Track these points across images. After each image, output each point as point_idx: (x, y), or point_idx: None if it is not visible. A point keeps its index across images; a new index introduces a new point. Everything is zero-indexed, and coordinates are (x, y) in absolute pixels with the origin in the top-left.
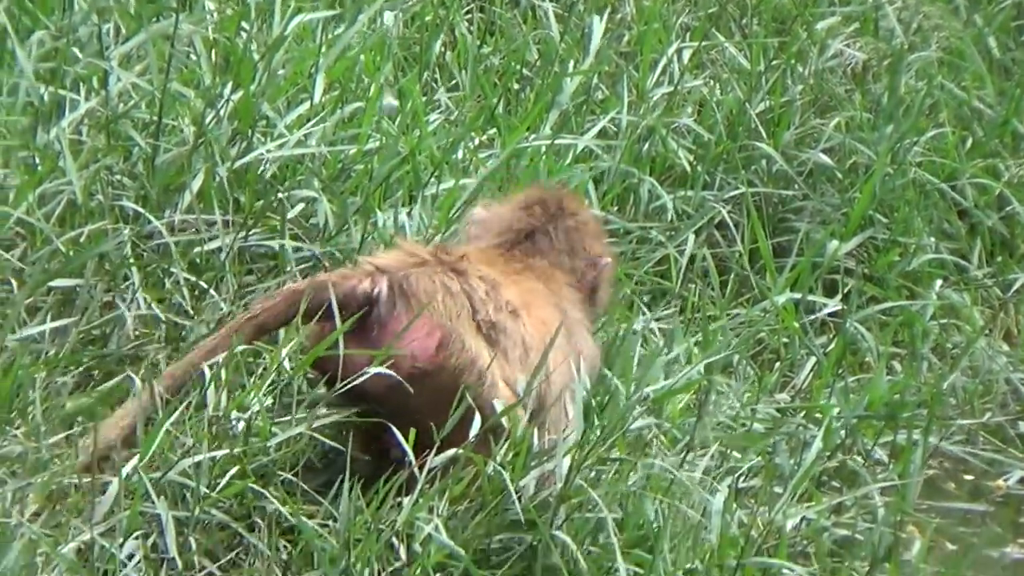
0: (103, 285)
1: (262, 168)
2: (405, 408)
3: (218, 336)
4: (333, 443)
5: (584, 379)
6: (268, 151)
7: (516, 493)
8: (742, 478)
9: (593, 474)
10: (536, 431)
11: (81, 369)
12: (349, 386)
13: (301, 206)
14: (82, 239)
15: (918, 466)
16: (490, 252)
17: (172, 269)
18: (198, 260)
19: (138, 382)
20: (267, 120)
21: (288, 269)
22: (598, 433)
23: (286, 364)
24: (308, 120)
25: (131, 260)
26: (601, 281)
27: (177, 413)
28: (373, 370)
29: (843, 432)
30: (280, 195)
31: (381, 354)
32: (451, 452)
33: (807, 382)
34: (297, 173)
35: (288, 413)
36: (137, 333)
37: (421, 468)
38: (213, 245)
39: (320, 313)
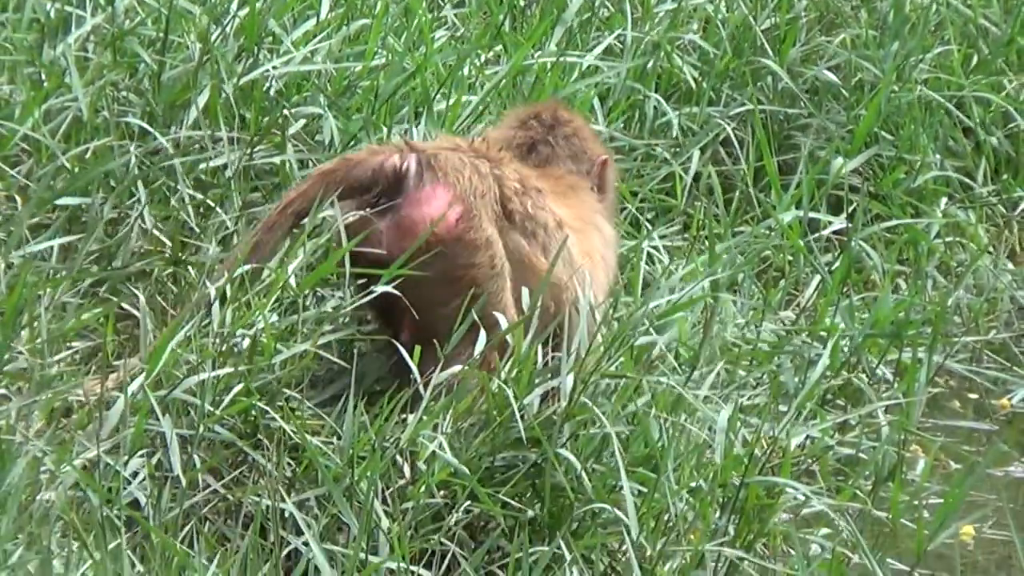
0: (109, 202)
1: (268, 85)
2: (419, 283)
3: (258, 231)
4: (338, 360)
5: (594, 296)
6: (274, 67)
7: (520, 411)
8: (747, 396)
9: (601, 387)
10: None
11: (86, 285)
12: (371, 256)
13: (303, 122)
14: (87, 156)
15: (923, 384)
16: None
17: (177, 186)
18: (203, 177)
19: (142, 297)
20: (273, 36)
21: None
22: (602, 350)
23: (292, 281)
24: (314, 36)
25: (137, 177)
26: (606, 179)
27: (183, 333)
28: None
29: (848, 350)
30: (286, 112)
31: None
32: (455, 369)
33: (812, 300)
34: (303, 90)
35: (293, 330)
36: (143, 250)
37: (426, 385)
38: (219, 162)
39: (350, 190)
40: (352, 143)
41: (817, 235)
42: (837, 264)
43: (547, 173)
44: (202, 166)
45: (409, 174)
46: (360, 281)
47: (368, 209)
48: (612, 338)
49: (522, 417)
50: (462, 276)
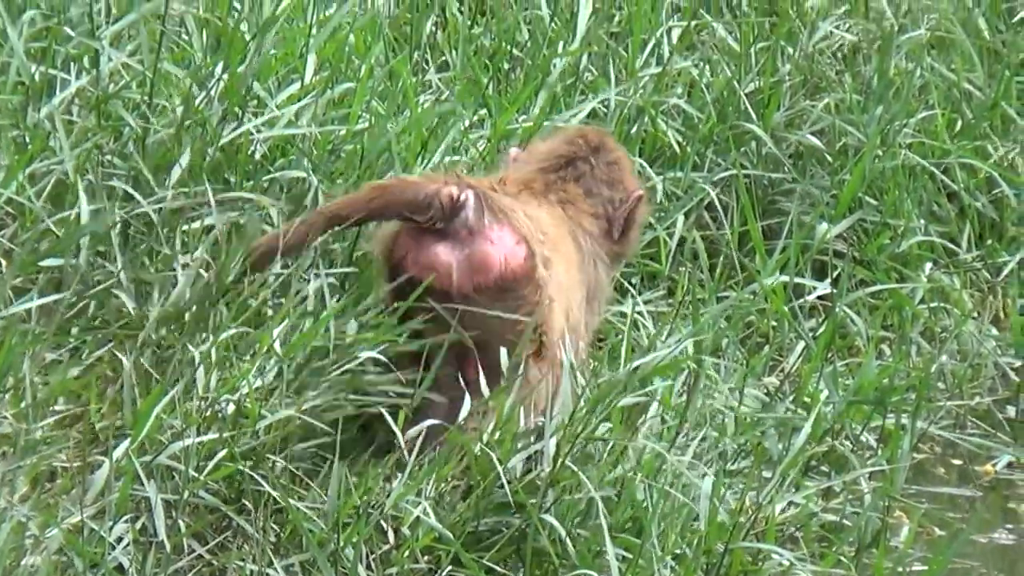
0: (91, 262)
1: (252, 148)
2: (487, 320)
3: (295, 223)
4: (323, 425)
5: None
6: (257, 130)
7: (504, 475)
8: (731, 462)
9: (585, 448)
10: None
11: (71, 346)
12: (441, 290)
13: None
14: (71, 218)
15: (906, 451)
16: (518, 184)
17: (161, 250)
18: (187, 240)
19: (127, 361)
20: (258, 100)
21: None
22: (584, 412)
23: (277, 346)
24: (299, 100)
25: (120, 238)
26: (635, 216)
27: (168, 398)
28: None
29: (832, 417)
30: (271, 175)
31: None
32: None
33: (796, 366)
34: (288, 153)
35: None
36: (125, 310)
37: (411, 451)
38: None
39: (399, 209)
40: None
41: (802, 300)
42: (821, 329)
43: (550, 184)
44: (186, 228)
45: (467, 207)
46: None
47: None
48: (595, 400)
49: (507, 481)
50: (527, 312)
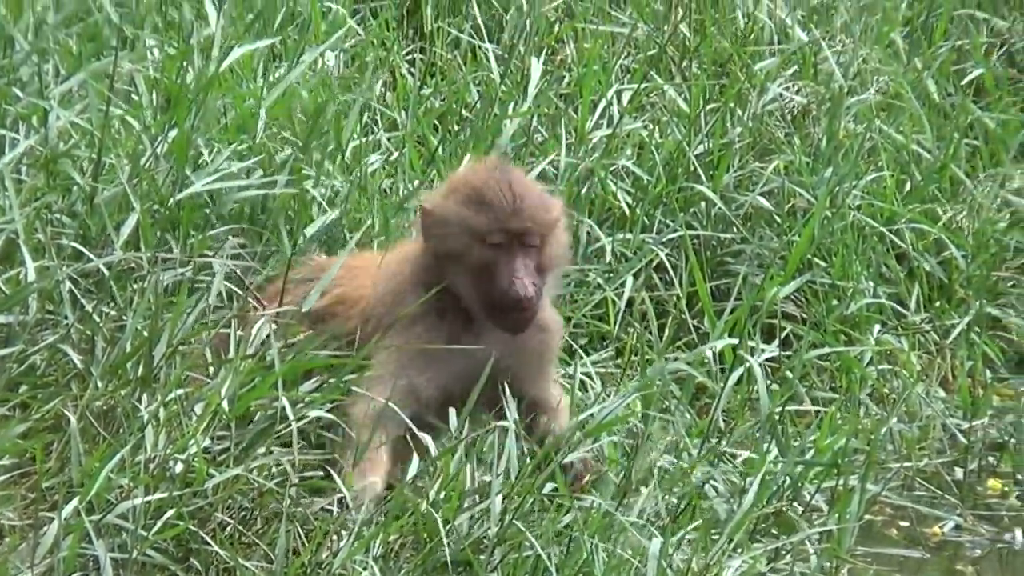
0: (40, 320)
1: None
2: None
3: None
4: (270, 484)
5: None
6: (203, 187)
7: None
8: (677, 521)
9: (531, 506)
10: None
11: (18, 402)
12: None
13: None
14: (20, 276)
15: (855, 512)
16: None
17: (106, 310)
18: (135, 298)
19: (73, 420)
20: (201, 156)
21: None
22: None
23: (224, 405)
24: (249, 157)
25: (69, 296)
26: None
27: (118, 458)
28: None
29: (780, 480)
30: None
31: None
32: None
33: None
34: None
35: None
36: (72, 366)
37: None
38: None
39: None
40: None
41: (750, 363)
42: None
43: None
44: (135, 287)
45: None
46: None
47: None
48: (542, 456)
49: (452, 539)
50: None
